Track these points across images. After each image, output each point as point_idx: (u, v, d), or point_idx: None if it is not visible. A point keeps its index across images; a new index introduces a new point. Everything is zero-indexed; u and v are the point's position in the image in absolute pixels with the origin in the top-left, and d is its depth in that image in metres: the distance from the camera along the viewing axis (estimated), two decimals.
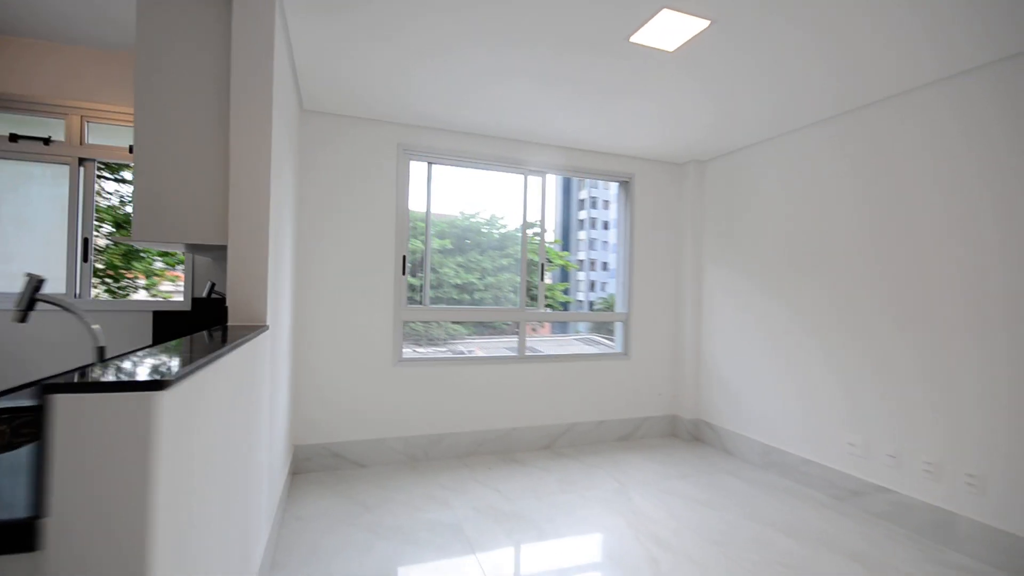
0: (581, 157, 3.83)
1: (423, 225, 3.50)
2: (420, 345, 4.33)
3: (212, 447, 1.09)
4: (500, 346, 4.44)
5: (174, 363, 0.92)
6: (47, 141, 2.59)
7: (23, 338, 2.47)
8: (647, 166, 4.06)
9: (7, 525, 0.71)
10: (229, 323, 1.80)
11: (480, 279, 4.51)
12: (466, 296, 4.44)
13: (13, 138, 2.56)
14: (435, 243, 4.81)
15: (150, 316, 2.63)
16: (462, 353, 3.95)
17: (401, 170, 3.35)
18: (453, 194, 3.85)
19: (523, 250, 3.74)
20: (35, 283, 1.30)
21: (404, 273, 3.36)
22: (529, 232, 3.77)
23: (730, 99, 2.80)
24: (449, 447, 3.43)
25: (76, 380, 0.74)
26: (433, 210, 3.51)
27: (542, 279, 3.79)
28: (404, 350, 3.42)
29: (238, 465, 1.40)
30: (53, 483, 0.71)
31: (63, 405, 0.71)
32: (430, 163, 3.49)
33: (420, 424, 3.37)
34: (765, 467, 3.33)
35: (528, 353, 3.70)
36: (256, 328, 1.75)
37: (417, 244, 3.56)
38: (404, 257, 3.36)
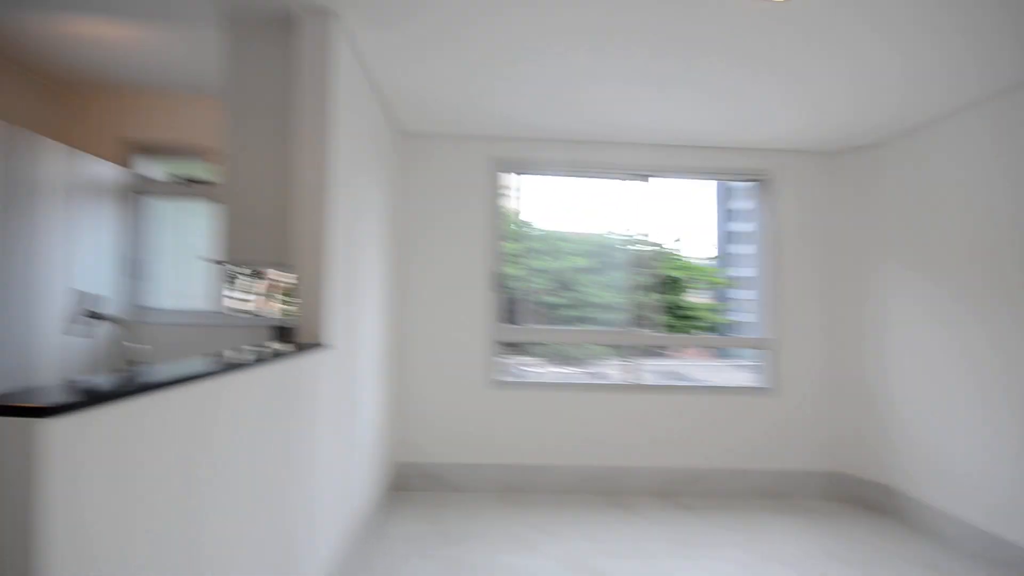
0: (706, 156, 3.29)
1: (560, 243, 3.39)
2: (554, 364, 4.16)
3: (176, 468, 1.01)
4: (651, 369, 4.06)
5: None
6: (192, 181, 3.06)
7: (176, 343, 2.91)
8: (788, 159, 3.32)
9: None
10: (297, 339, 1.82)
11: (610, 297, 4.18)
12: (608, 315, 4.16)
13: (186, 182, 3.09)
14: (569, 261, 4.63)
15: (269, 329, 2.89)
16: (601, 376, 3.56)
17: (493, 185, 3.24)
18: (577, 208, 3.59)
19: (637, 265, 3.32)
20: (81, 298, 1.45)
21: (498, 291, 3.22)
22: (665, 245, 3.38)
23: (889, 64, 2.09)
24: (549, 481, 3.13)
25: None
26: (567, 228, 3.38)
27: (676, 293, 3.31)
28: (529, 369, 3.28)
29: (254, 482, 1.34)
30: None
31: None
32: (521, 174, 3.34)
33: (517, 453, 3.15)
34: (985, 563, 2.34)
35: (672, 381, 3.25)
36: (311, 346, 1.74)
37: (551, 263, 3.40)
38: (498, 275, 3.22)
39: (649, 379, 3.29)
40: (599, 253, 3.67)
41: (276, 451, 1.46)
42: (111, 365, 2.58)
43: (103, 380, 0.89)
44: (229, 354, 1.34)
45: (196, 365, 1.15)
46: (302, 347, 1.70)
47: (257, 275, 1.97)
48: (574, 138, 3.19)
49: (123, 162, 3.01)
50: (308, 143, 1.86)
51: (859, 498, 3.07)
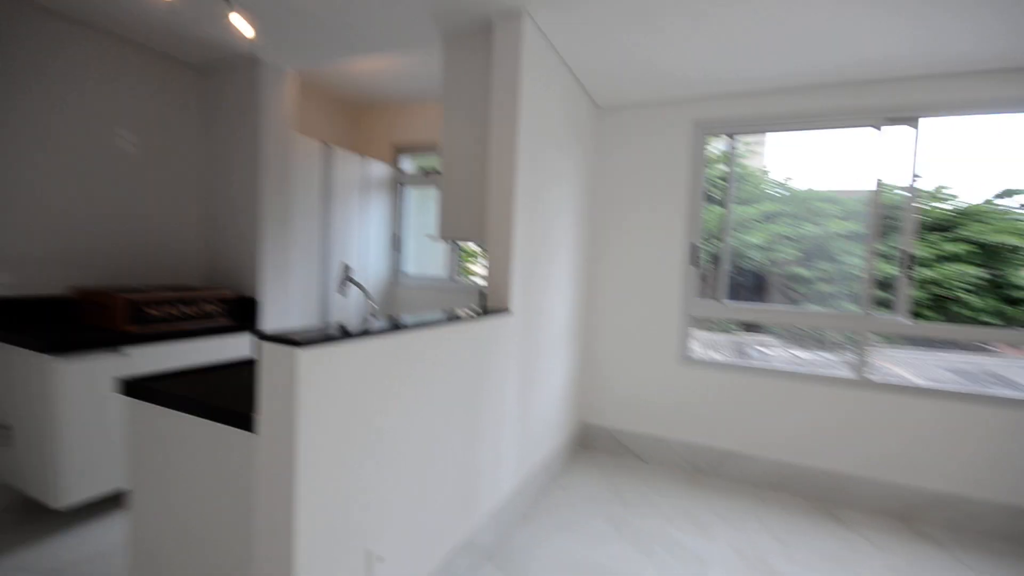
0: (970, 84, 2.40)
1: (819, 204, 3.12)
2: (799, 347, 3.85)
3: (373, 387, 1.42)
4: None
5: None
6: (430, 172, 3.79)
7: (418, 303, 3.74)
8: None
9: (240, 414, 1.22)
10: (488, 305, 2.19)
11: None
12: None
13: (425, 172, 3.88)
14: (834, 225, 4.08)
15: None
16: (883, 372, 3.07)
17: (696, 150, 3.04)
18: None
19: (874, 227, 2.70)
20: (345, 268, 2.04)
21: (695, 265, 3.05)
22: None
23: None
24: (741, 470, 2.92)
25: (267, 333, 1.16)
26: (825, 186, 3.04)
27: (911, 267, 2.62)
28: (762, 349, 3.15)
29: (449, 412, 1.72)
30: (261, 392, 1.16)
31: (262, 347, 1.15)
32: (734, 135, 3.01)
33: (704, 434, 3.02)
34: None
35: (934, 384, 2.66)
36: (498, 311, 2.07)
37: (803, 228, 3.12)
38: (695, 246, 3.05)
39: (893, 375, 2.68)
40: (867, 215, 3.05)
41: (468, 389, 1.84)
42: (361, 316, 3.51)
43: (339, 328, 1.32)
44: (431, 313, 1.74)
45: (403, 319, 1.56)
46: (491, 311, 2.04)
47: (478, 249, 2.41)
48: (796, 84, 2.73)
49: (390, 161, 3.92)
50: (497, 134, 2.15)
51: None
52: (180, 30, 2.49)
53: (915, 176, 2.59)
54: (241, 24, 2.16)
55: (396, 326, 1.45)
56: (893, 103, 2.61)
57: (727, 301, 3.05)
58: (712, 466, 3.00)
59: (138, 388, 1.40)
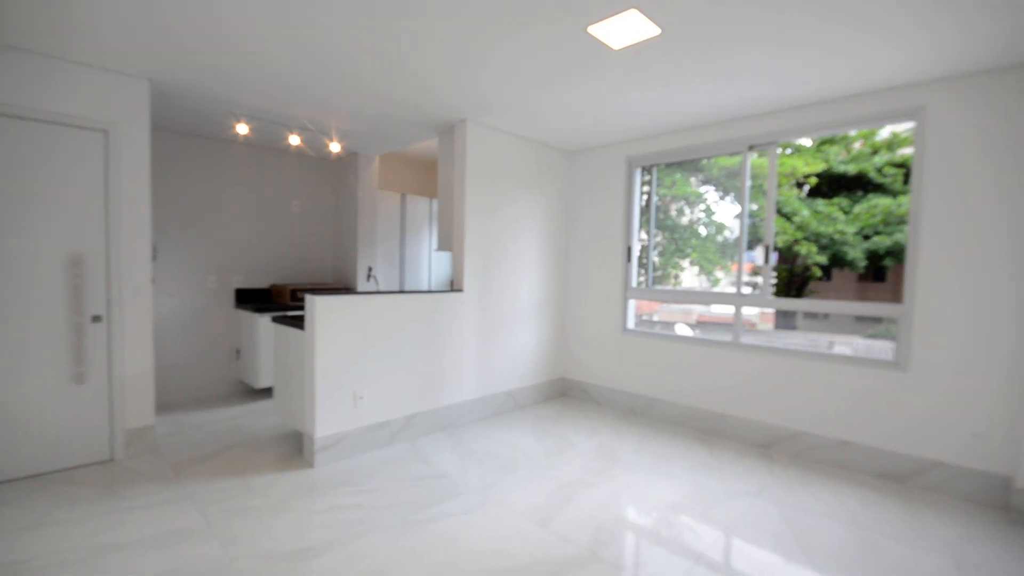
0: (836, 109, 3.10)
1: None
2: None
3: (367, 327, 3.11)
4: None
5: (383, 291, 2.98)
6: None
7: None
8: (955, 86, 2.66)
9: (301, 326, 3.04)
10: (453, 287, 3.74)
11: None
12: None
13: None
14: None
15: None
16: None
17: (628, 178, 4.14)
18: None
19: (741, 228, 3.51)
20: (369, 268, 3.80)
21: (629, 261, 4.14)
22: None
23: None
24: (662, 412, 3.90)
25: (316, 292, 2.94)
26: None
27: (766, 261, 3.38)
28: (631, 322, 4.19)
29: (408, 347, 3.35)
30: (307, 315, 2.97)
31: (308, 298, 2.95)
32: (651, 167, 4.04)
33: (638, 384, 4.06)
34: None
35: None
36: (456, 290, 3.63)
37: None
38: (629, 248, 4.14)
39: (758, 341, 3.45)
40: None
41: (429, 330, 3.44)
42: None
43: (344, 290, 3.05)
44: (410, 289, 3.40)
45: (383, 289, 3.24)
46: (452, 290, 3.61)
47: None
48: (695, 124, 3.66)
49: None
50: (456, 182, 3.73)
51: None
52: (320, 150, 4.62)
53: (776, 188, 3.38)
54: (336, 147, 4.15)
55: (378, 292, 3.14)
56: (757, 132, 3.44)
57: (651, 287, 4.06)
58: (643, 408, 4.03)
59: (278, 319, 3.34)
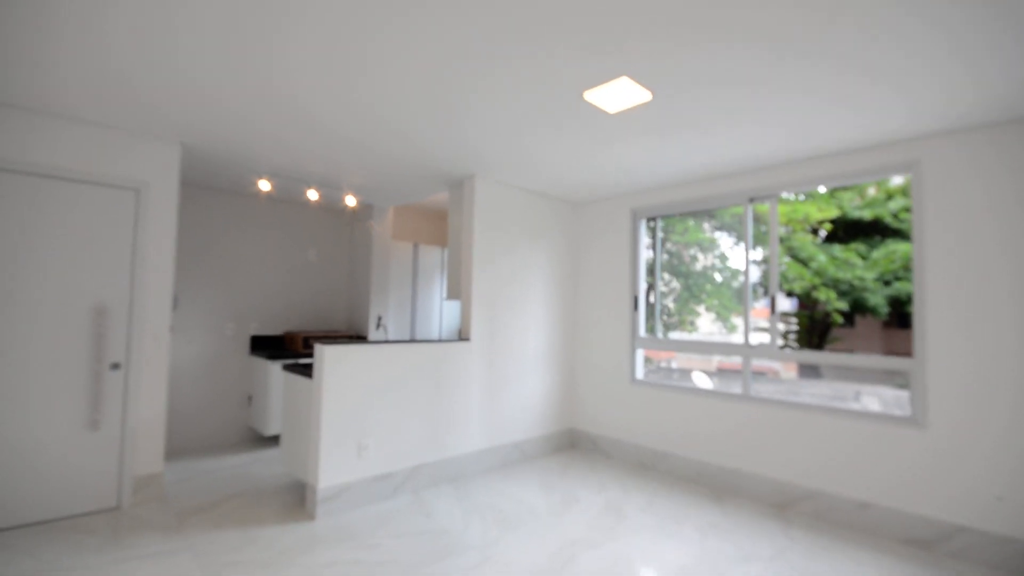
0: (832, 163, 3.17)
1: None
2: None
3: (373, 374, 3.16)
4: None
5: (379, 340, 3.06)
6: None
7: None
8: (948, 141, 2.71)
9: (310, 374, 3.10)
10: (461, 336, 3.79)
11: None
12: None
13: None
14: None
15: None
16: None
17: (633, 229, 4.22)
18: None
19: (746, 280, 3.51)
20: (379, 317, 3.88)
21: (636, 310, 4.14)
22: None
23: None
24: (671, 465, 3.79)
25: (324, 340, 3.02)
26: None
27: (773, 310, 3.36)
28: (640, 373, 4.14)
29: (414, 396, 3.37)
30: (315, 364, 3.04)
31: (317, 347, 3.02)
32: (656, 217, 4.12)
33: (647, 437, 3.97)
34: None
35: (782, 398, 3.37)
36: (463, 340, 3.67)
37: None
38: (635, 298, 4.15)
39: (774, 394, 3.37)
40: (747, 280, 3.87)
41: (435, 379, 3.47)
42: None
43: (353, 339, 3.12)
44: (419, 339, 3.46)
45: (392, 339, 3.31)
46: (459, 339, 3.66)
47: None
48: (697, 178, 3.77)
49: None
50: (464, 234, 3.85)
51: None
52: (336, 203, 4.84)
53: (778, 239, 3.41)
54: (353, 202, 4.35)
55: (387, 342, 3.21)
56: (757, 185, 3.51)
57: (659, 336, 4.04)
58: (653, 462, 3.92)
59: (288, 367, 3.42)
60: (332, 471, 2.95)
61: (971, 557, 2.55)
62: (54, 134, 2.78)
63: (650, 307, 4.26)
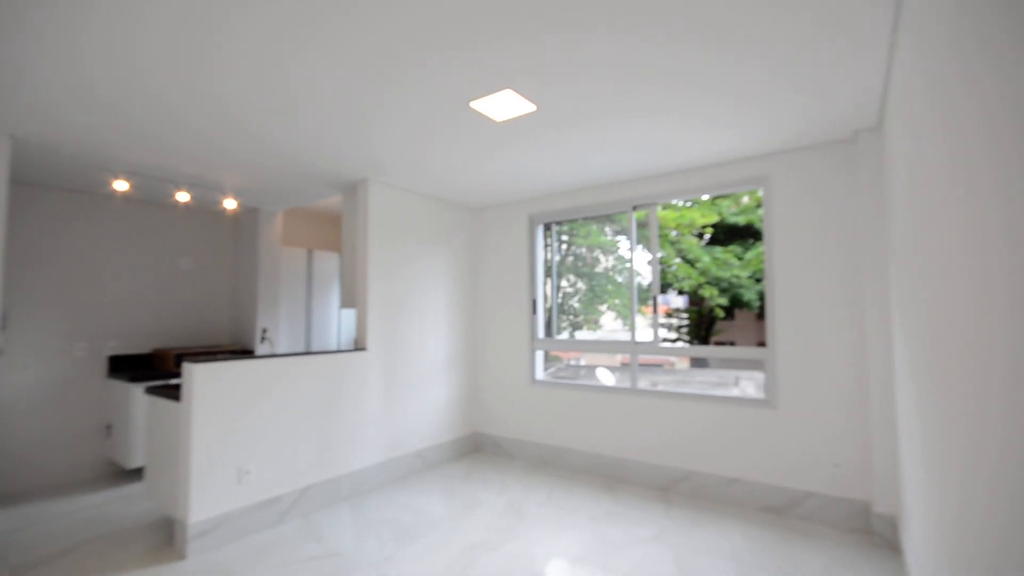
0: (701, 175, 3.49)
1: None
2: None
3: (252, 395, 2.92)
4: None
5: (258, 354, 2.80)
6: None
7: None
8: (789, 159, 3.13)
9: (178, 396, 2.79)
10: (353, 347, 3.63)
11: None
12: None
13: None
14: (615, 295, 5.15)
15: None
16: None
17: (531, 234, 4.34)
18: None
19: (630, 280, 3.77)
20: (263, 330, 3.62)
21: (534, 313, 4.27)
22: None
23: None
24: (569, 460, 3.95)
25: (191, 358, 2.72)
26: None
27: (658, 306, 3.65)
28: (541, 373, 4.27)
29: (305, 412, 3.16)
30: (184, 384, 2.73)
31: (186, 365, 2.72)
32: (552, 223, 4.28)
33: (547, 435, 4.10)
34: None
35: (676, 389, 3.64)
36: (359, 349, 3.52)
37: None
38: (534, 301, 4.28)
39: (655, 385, 3.65)
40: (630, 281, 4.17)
41: (326, 393, 3.28)
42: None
43: (229, 354, 2.85)
44: (309, 350, 3.24)
45: (278, 351, 3.07)
46: (355, 349, 3.50)
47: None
48: (587, 186, 3.96)
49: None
50: (360, 241, 3.70)
51: (887, 539, 2.64)
52: (213, 205, 4.41)
53: (656, 247, 3.69)
54: (231, 205, 4.00)
55: (272, 356, 2.97)
56: (639, 194, 3.77)
57: (554, 337, 4.20)
58: (553, 458, 4.05)
59: (151, 390, 3.04)
60: (206, 502, 2.67)
61: (818, 518, 2.94)
62: None
63: (551, 309, 4.41)
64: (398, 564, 2.51)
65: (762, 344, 3.26)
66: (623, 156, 3.24)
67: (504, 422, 4.40)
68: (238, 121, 2.61)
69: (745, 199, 9.86)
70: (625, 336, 5.76)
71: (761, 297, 9.23)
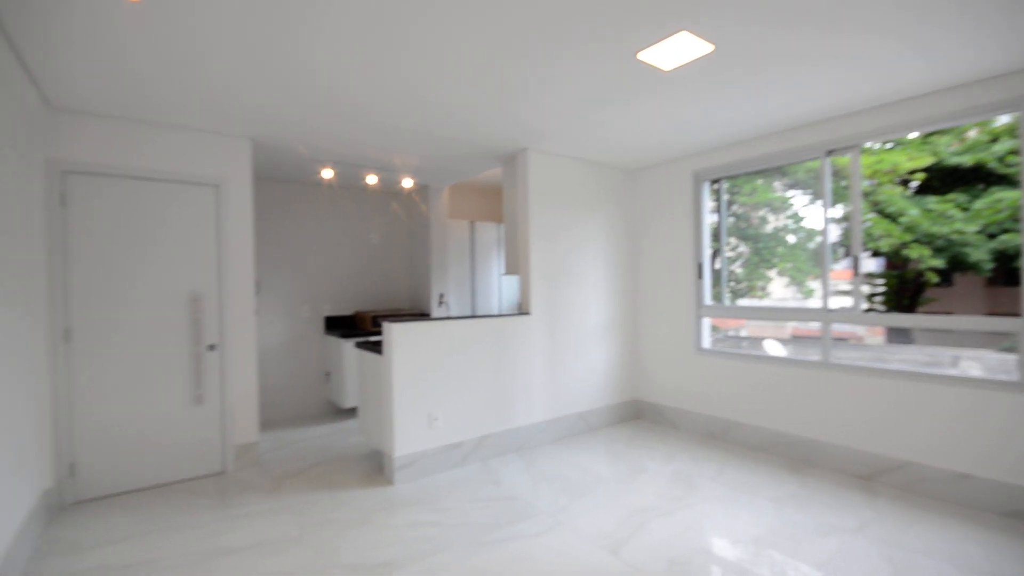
0: (922, 105, 2.84)
1: None
2: None
3: (439, 348, 3.28)
4: None
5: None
6: None
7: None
8: None
9: (380, 351, 3.27)
10: (517, 311, 3.83)
11: None
12: None
13: None
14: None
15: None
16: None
17: (696, 193, 4.02)
18: None
19: (824, 240, 3.26)
20: (440, 295, 3.98)
21: (700, 278, 3.99)
22: None
23: None
24: (742, 435, 3.68)
25: (394, 319, 3.17)
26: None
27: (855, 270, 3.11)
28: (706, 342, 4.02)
29: (478, 369, 3.46)
30: (385, 340, 3.20)
31: (385, 325, 3.18)
32: (720, 179, 3.90)
33: (717, 407, 3.86)
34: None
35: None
36: (523, 314, 3.72)
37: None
38: (699, 265, 3.99)
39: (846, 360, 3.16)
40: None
41: (497, 353, 3.55)
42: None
43: (418, 316, 3.24)
44: (480, 313, 3.55)
45: (454, 314, 3.41)
46: (519, 313, 3.71)
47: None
48: (766, 132, 3.50)
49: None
50: (520, 209, 3.85)
51: None
52: (393, 186, 4.98)
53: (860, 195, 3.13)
54: (410, 184, 4.46)
55: (449, 318, 3.32)
56: (835, 136, 3.22)
57: (727, 304, 3.88)
58: (722, 432, 3.82)
59: (360, 345, 3.62)
60: (406, 441, 3.12)
61: None
62: (145, 139, 3.04)
63: (716, 274, 4.09)
64: (571, 515, 2.65)
65: (1002, 314, 2.58)
66: (817, 91, 2.77)
67: (667, 390, 4.27)
68: (423, 102, 2.86)
69: (972, 133, 7.71)
70: (797, 304, 5.09)
71: (997, 257, 7.28)
